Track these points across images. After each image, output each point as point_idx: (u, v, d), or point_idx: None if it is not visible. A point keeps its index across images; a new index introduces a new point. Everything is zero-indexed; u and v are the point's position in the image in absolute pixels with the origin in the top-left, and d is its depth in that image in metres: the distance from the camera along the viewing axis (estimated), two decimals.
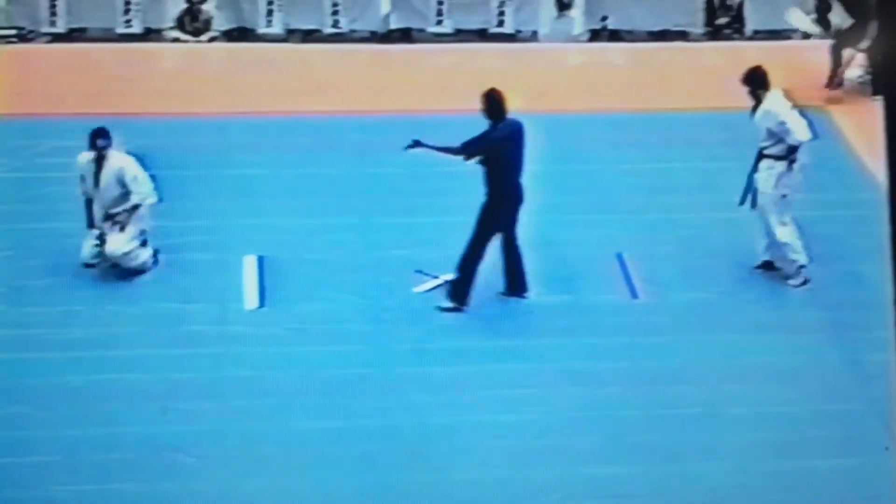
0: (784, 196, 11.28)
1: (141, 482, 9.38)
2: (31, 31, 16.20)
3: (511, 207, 10.67)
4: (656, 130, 13.35)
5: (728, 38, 16.49)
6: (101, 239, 11.20)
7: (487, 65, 14.94)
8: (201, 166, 11.89)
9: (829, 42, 14.83)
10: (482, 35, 16.50)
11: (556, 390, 10.28)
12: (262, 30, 16.43)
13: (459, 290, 10.80)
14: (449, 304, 10.84)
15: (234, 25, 16.42)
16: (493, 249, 10.94)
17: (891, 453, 9.64)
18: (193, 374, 10.37)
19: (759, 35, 16.61)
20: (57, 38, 16.11)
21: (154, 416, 9.92)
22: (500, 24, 16.58)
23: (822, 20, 15.87)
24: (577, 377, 10.42)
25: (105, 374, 10.30)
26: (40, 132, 13.23)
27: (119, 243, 11.17)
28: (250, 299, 11.23)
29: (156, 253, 11.33)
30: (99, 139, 11.13)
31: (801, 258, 11.40)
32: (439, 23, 16.53)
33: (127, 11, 16.26)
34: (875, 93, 13.94)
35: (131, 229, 11.20)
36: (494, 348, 10.66)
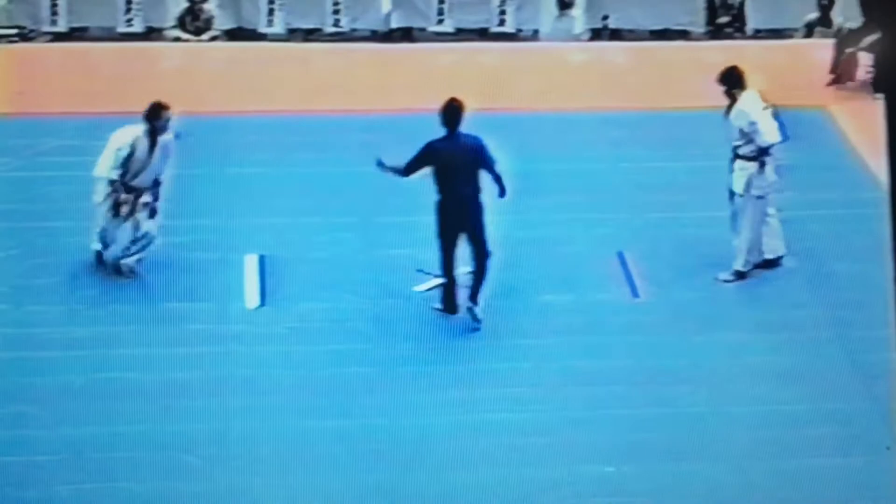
0: (760, 198, 11.26)
1: (143, 481, 9.39)
2: (33, 31, 16.21)
3: (457, 217, 10.59)
4: (657, 129, 13.35)
5: (729, 36, 16.49)
6: (105, 241, 11.20)
7: (488, 64, 14.94)
8: (202, 165, 11.89)
9: (832, 41, 14.84)
10: (483, 34, 16.51)
11: (556, 389, 10.28)
12: (263, 29, 16.44)
13: (444, 298, 10.84)
14: (440, 307, 10.86)
15: (235, 25, 16.43)
16: (494, 257, 10.93)
17: (892, 453, 9.64)
18: (195, 373, 10.37)
19: (760, 34, 16.61)
20: (58, 37, 16.12)
21: (156, 415, 9.92)
22: (501, 23, 16.59)
23: (825, 18, 15.88)
24: (577, 376, 10.42)
25: (107, 373, 10.31)
26: (42, 131, 13.24)
27: (153, 226, 11.15)
28: (251, 298, 11.24)
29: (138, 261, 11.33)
30: (165, 111, 11.06)
31: (743, 263, 11.36)
32: (440, 22, 16.53)
33: (128, 10, 16.27)
34: (876, 90, 13.94)
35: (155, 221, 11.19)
36: (495, 347, 10.66)
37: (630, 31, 16.69)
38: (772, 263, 11.55)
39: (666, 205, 11.85)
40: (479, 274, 10.76)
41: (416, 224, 11.47)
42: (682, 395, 10.27)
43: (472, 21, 16.57)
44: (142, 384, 10.22)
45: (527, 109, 13.79)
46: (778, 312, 11.20)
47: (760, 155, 11.22)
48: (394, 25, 16.55)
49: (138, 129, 11.11)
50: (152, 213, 11.21)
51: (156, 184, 11.18)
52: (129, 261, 11.21)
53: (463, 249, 10.80)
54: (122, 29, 16.28)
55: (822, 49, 14.89)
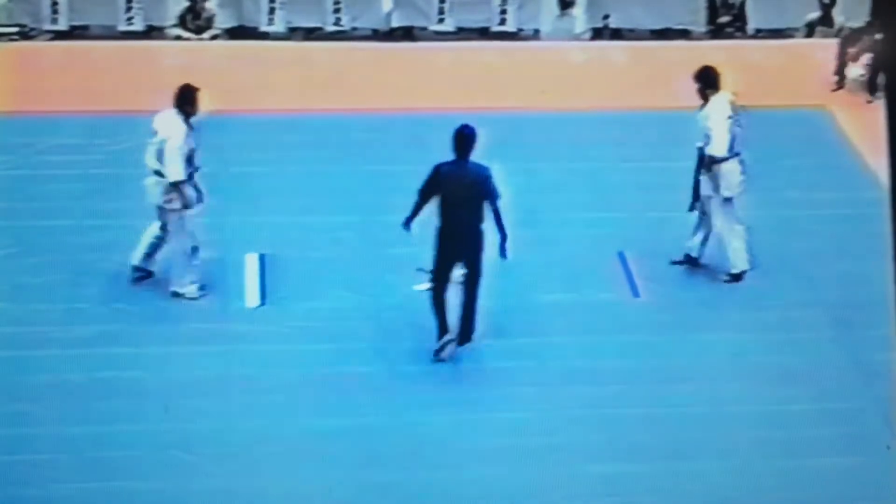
0: (728, 199, 11.26)
1: (143, 480, 9.39)
2: (34, 29, 16.21)
3: (456, 246, 10.27)
4: (658, 129, 13.34)
5: (730, 36, 16.49)
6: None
7: (489, 63, 14.94)
8: (203, 164, 11.83)
9: (834, 41, 14.83)
10: (484, 33, 16.50)
11: (557, 388, 10.28)
12: (264, 27, 16.43)
13: (438, 325, 10.46)
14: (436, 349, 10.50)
15: (236, 23, 16.43)
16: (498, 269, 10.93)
17: (893, 452, 9.64)
18: (195, 371, 10.37)
19: (760, 34, 16.61)
20: (59, 35, 16.11)
21: (156, 414, 9.92)
22: (502, 22, 16.58)
23: (826, 18, 15.87)
24: (578, 375, 10.42)
25: (107, 372, 10.30)
26: (42, 130, 13.23)
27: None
28: (252, 297, 11.23)
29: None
30: (198, 93, 10.87)
31: (744, 264, 11.36)
32: (441, 21, 16.53)
33: (129, 9, 16.27)
34: (872, 91, 13.95)
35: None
36: (497, 346, 10.66)
37: (631, 30, 16.69)
38: (693, 261, 11.50)
39: (667, 204, 11.83)
40: (468, 305, 10.36)
41: (416, 223, 11.45)
42: (683, 395, 10.27)
43: (473, 20, 16.57)
44: (142, 383, 10.21)
45: (527, 109, 13.79)
46: (779, 312, 11.19)
47: (723, 159, 11.18)
48: (394, 24, 16.54)
49: (177, 119, 10.85)
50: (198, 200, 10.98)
51: (193, 174, 10.97)
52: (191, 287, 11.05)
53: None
54: (122, 27, 16.28)
55: (823, 49, 14.87)
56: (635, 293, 11.41)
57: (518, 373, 10.41)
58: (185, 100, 10.87)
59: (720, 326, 11.03)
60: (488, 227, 10.32)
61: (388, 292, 11.17)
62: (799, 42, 15.93)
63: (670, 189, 11.80)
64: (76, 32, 16.23)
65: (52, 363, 10.37)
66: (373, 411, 10.03)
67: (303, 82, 14.47)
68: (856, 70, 14.51)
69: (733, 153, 11.19)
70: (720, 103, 11.18)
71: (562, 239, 11.89)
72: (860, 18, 15.02)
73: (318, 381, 10.32)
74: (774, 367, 10.57)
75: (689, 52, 14.38)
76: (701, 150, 11.26)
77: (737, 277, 11.40)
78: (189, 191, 10.90)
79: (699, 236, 11.47)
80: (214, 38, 16.08)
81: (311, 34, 16.49)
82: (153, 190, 10.94)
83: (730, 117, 11.14)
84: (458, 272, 10.53)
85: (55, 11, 16.18)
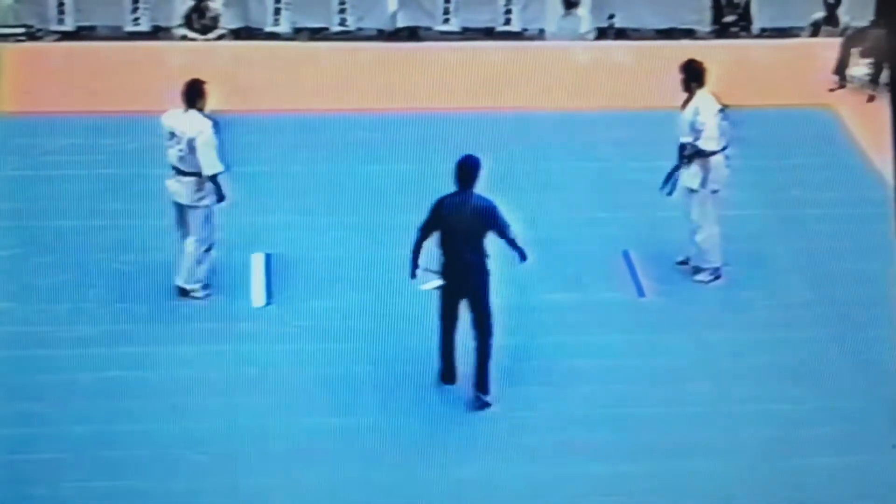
0: (715, 192, 11.29)
1: (150, 479, 9.41)
2: (40, 30, 16.24)
3: (459, 283, 9.94)
4: (663, 128, 13.34)
5: (735, 36, 16.50)
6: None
7: (494, 63, 14.96)
8: None
9: (839, 39, 14.84)
10: (489, 33, 16.52)
11: (562, 388, 10.30)
12: (269, 28, 16.46)
13: (442, 366, 10.22)
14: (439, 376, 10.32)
15: (241, 24, 16.46)
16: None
17: None
18: (201, 371, 10.40)
19: (766, 33, 16.61)
20: (65, 36, 16.15)
21: (162, 414, 9.94)
22: (507, 22, 16.60)
23: (831, 17, 15.88)
24: (583, 375, 10.43)
25: (113, 372, 10.33)
26: (48, 130, 13.26)
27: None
28: (257, 297, 11.26)
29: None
30: (206, 86, 10.92)
31: (717, 260, 11.36)
32: (446, 21, 16.55)
33: (135, 10, 16.31)
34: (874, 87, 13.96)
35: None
36: (500, 346, 10.67)
37: (636, 30, 16.70)
38: (715, 274, 11.51)
39: (672, 204, 11.84)
40: (480, 352, 10.08)
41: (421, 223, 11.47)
42: (688, 394, 10.28)
43: (478, 20, 16.59)
44: (148, 382, 10.24)
45: (532, 109, 13.79)
46: (783, 311, 11.20)
47: (712, 153, 11.21)
48: (400, 24, 16.57)
49: (197, 115, 10.86)
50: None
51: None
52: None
53: (464, 319, 10.16)
54: (129, 28, 16.32)
55: (828, 48, 14.88)
56: (640, 293, 11.43)
57: (523, 372, 10.42)
58: (197, 94, 10.90)
59: (725, 326, 11.04)
60: (492, 263, 10.02)
61: (393, 292, 11.19)
62: (804, 41, 15.94)
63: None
64: (82, 33, 16.26)
65: (58, 363, 10.40)
66: (378, 410, 10.05)
67: (308, 82, 14.49)
68: (861, 69, 14.52)
69: (722, 147, 11.23)
70: (707, 98, 11.21)
71: (566, 238, 11.91)
72: (865, 18, 15.03)
73: (324, 381, 10.34)
74: (779, 367, 10.58)
75: (695, 52, 14.35)
76: (683, 145, 11.27)
77: (715, 273, 11.40)
78: (224, 183, 10.94)
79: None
80: (220, 38, 16.11)
81: (317, 34, 16.52)
82: (180, 189, 10.97)
83: (720, 111, 11.17)
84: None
85: (61, 12, 16.22)
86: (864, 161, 13.06)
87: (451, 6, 16.51)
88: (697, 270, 11.47)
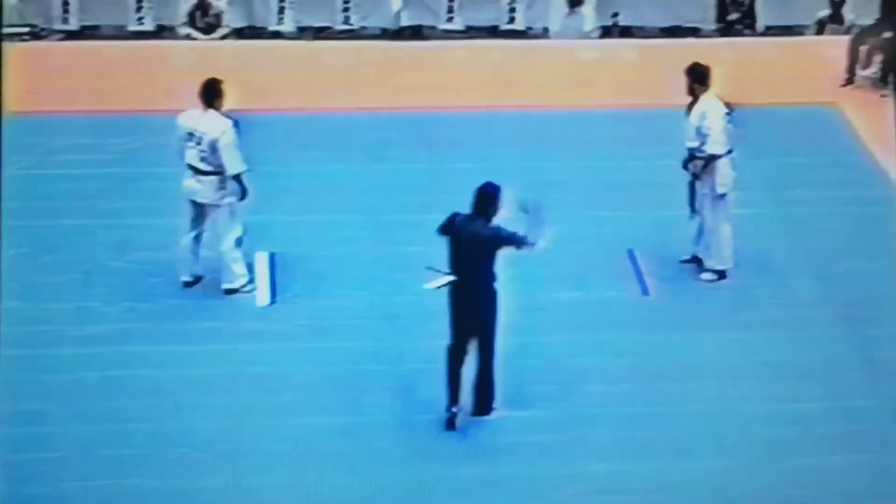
0: (722, 196, 11.26)
1: (154, 478, 9.41)
2: (44, 29, 16.26)
3: (464, 303, 9.82)
4: (668, 127, 13.34)
5: (739, 34, 16.50)
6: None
7: (498, 62, 14.96)
8: None
9: (845, 39, 14.82)
10: (493, 32, 16.53)
11: (566, 386, 10.29)
12: (273, 27, 16.47)
13: (448, 394, 9.97)
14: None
15: (245, 23, 16.47)
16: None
17: None
18: (206, 370, 10.40)
19: (770, 31, 16.61)
20: (70, 35, 16.17)
21: (167, 413, 9.95)
22: (511, 20, 16.61)
23: (836, 15, 15.88)
24: (587, 373, 10.43)
25: (118, 371, 10.34)
26: (53, 130, 13.27)
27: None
28: (262, 296, 11.26)
29: None
30: (222, 84, 10.95)
31: (729, 262, 11.35)
32: (450, 20, 16.56)
33: (139, 9, 16.32)
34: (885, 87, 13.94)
35: None
36: (504, 345, 10.67)
37: (640, 28, 16.71)
38: (721, 275, 11.49)
39: (676, 203, 11.84)
40: (481, 377, 9.90)
41: (426, 221, 11.46)
42: (693, 393, 10.27)
43: (482, 19, 16.60)
44: (153, 381, 10.24)
45: (536, 107, 13.80)
46: (789, 310, 11.19)
47: (716, 156, 11.19)
48: (404, 23, 16.57)
49: (216, 115, 10.88)
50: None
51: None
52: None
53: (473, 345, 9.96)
54: (133, 27, 16.34)
55: (833, 46, 14.87)
56: (645, 291, 11.42)
57: (526, 371, 10.42)
58: (215, 94, 10.91)
59: (730, 324, 11.03)
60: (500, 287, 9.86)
61: (398, 291, 11.19)
62: (809, 39, 15.94)
63: (680, 187, 11.80)
64: (87, 32, 16.28)
65: (63, 362, 10.41)
66: (382, 410, 10.05)
67: (312, 81, 14.50)
68: (871, 69, 14.49)
69: (728, 150, 11.22)
70: (713, 102, 11.19)
71: (571, 237, 11.89)
72: (870, 16, 15.02)
73: (328, 380, 10.34)
74: (784, 365, 10.57)
75: (699, 50, 14.36)
76: (692, 150, 11.24)
77: (721, 275, 11.40)
78: (245, 180, 11.02)
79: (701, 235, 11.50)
80: (224, 37, 16.12)
81: (321, 33, 16.53)
82: (200, 188, 10.98)
83: (726, 114, 11.16)
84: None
85: (66, 11, 16.23)
86: (869, 159, 13.05)
87: (455, 5, 16.51)
88: (704, 270, 11.46)
